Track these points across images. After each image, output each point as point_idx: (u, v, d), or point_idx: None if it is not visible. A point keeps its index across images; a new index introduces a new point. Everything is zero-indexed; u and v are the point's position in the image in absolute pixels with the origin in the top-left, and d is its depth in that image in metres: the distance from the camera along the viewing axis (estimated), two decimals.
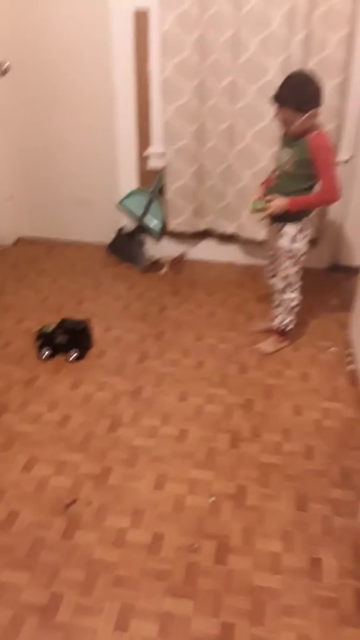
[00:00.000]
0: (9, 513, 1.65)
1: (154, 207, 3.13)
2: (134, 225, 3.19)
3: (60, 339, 2.36)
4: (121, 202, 3.15)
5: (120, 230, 3.22)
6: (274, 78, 2.60)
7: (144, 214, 3.13)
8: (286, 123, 2.06)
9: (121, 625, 1.37)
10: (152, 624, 1.37)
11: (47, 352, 2.35)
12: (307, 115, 2.00)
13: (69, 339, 2.36)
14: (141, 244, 3.18)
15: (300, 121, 2.02)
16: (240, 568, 1.51)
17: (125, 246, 3.22)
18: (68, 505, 1.68)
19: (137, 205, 3.14)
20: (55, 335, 2.36)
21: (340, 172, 2.12)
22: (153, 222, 3.16)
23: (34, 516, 1.64)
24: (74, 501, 1.69)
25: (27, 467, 1.81)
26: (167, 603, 1.42)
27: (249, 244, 3.17)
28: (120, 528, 1.62)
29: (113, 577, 1.48)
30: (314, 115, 2.02)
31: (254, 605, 1.42)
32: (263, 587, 1.47)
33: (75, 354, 2.36)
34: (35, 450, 1.89)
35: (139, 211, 3.14)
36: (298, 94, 2.01)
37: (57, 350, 2.38)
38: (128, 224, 3.22)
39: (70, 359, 2.35)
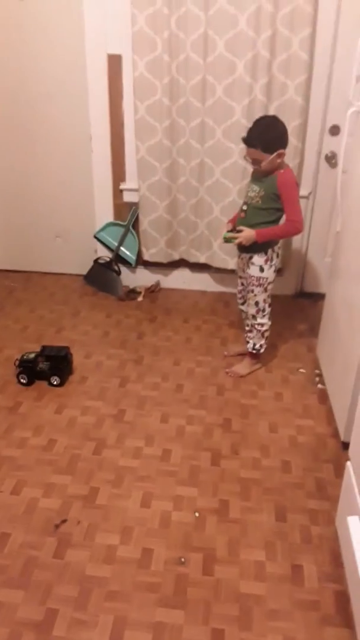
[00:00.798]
0: (0, 534, 1.68)
1: (129, 238, 3.26)
2: (110, 256, 3.31)
3: (42, 365, 2.43)
4: (97, 233, 3.27)
5: (96, 260, 3.33)
6: (239, 119, 2.82)
7: (120, 245, 3.26)
8: (255, 162, 2.24)
9: (116, 637, 1.42)
10: (145, 634, 1.43)
11: (24, 380, 2.42)
12: (274, 154, 2.18)
13: (50, 366, 2.42)
14: (117, 274, 3.29)
15: (268, 160, 2.19)
16: (227, 577, 1.59)
17: (102, 276, 3.32)
18: (58, 525, 1.72)
19: (113, 236, 3.27)
20: (37, 362, 2.42)
21: (302, 206, 2.30)
22: (128, 253, 3.29)
23: (25, 537, 1.68)
24: (63, 521, 1.74)
25: (16, 490, 1.85)
26: (158, 614, 1.48)
27: (220, 273, 3.32)
28: (110, 545, 1.67)
29: (106, 591, 1.53)
30: (281, 155, 2.20)
31: (241, 612, 1.50)
32: (249, 594, 1.55)
33: (56, 381, 2.42)
34: (23, 473, 1.93)
35: (114, 242, 3.26)
36: (265, 135, 2.19)
37: (39, 376, 2.43)
38: (104, 255, 3.34)
39: (54, 383, 2.42)
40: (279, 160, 2.21)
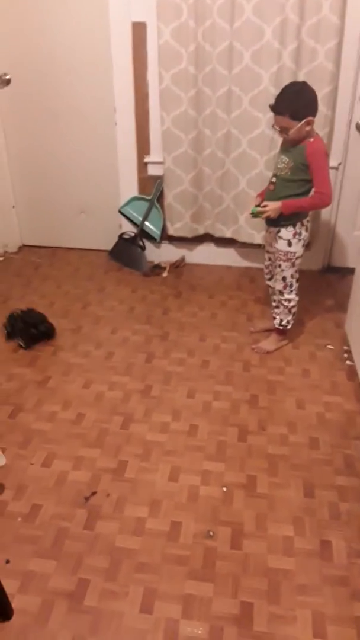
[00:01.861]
0: (32, 506, 1.72)
1: (154, 213, 3.22)
2: (134, 231, 3.28)
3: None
4: (122, 208, 3.24)
5: (121, 236, 3.31)
6: (267, 87, 2.73)
7: (144, 219, 3.22)
8: (283, 131, 2.17)
9: (146, 607, 1.45)
10: (175, 606, 1.45)
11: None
12: (302, 122, 2.11)
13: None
14: (142, 249, 3.27)
15: (296, 128, 2.11)
16: (255, 552, 1.60)
17: (126, 251, 3.30)
18: (88, 498, 1.75)
19: (138, 211, 3.24)
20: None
21: (331, 177, 2.23)
22: (153, 228, 3.25)
23: (56, 508, 1.71)
24: (93, 493, 1.77)
25: (47, 463, 1.89)
26: (188, 586, 1.50)
27: (245, 248, 3.27)
28: (139, 517, 1.69)
29: (135, 563, 1.56)
30: (309, 123, 2.12)
31: (270, 586, 1.51)
32: (278, 568, 1.55)
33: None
34: (53, 446, 1.96)
35: (139, 217, 3.23)
36: (294, 102, 2.11)
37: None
38: (128, 230, 3.31)
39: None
40: (307, 129, 2.13)
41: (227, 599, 1.47)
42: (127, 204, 3.23)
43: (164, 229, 3.25)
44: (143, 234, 3.27)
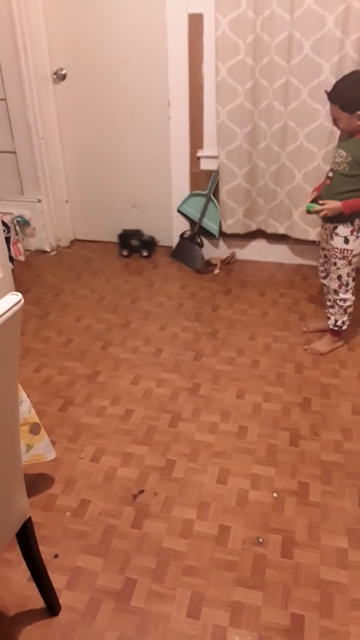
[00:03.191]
0: (80, 501, 1.72)
1: (211, 208, 3.16)
2: (193, 229, 3.23)
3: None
4: (180, 207, 3.21)
5: (182, 235, 3.27)
6: (328, 78, 2.62)
7: (202, 216, 3.18)
8: (335, 121, 2.09)
9: (193, 612, 1.41)
10: (223, 613, 1.41)
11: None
12: (353, 115, 2.01)
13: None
14: (200, 247, 3.22)
15: (346, 120, 2.03)
16: (307, 562, 1.54)
17: (186, 250, 3.25)
18: (136, 496, 1.74)
19: (195, 208, 3.19)
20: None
21: None
22: (211, 224, 3.20)
23: (104, 505, 1.71)
24: (141, 491, 1.75)
25: (95, 458, 1.89)
26: (236, 593, 1.46)
27: (298, 244, 3.18)
28: (187, 519, 1.66)
29: (183, 565, 1.53)
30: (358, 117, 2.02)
31: (322, 598, 1.45)
32: (331, 581, 1.49)
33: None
34: (102, 442, 1.96)
35: (197, 214, 3.19)
36: (347, 93, 2.01)
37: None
38: (188, 228, 3.26)
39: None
40: (359, 123, 2.03)
41: (277, 610, 1.42)
42: (184, 202, 3.19)
43: (221, 225, 3.20)
44: (201, 231, 3.23)
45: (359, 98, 2.01)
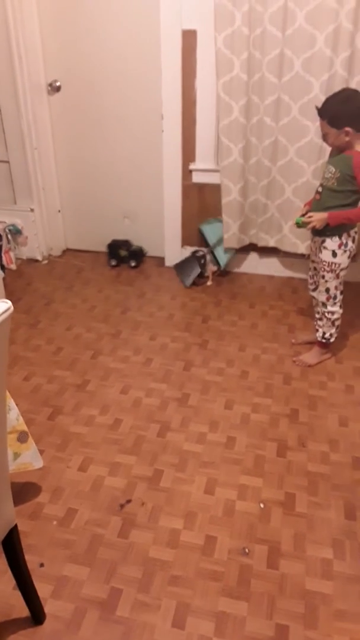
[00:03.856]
0: (67, 510, 1.72)
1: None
2: (205, 251, 3.23)
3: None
4: (202, 226, 3.23)
5: (195, 253, 3.24)
6: (317, 95, 2.68)
7: (217, 245, 3.19)
8: (324, 137, 2.14)
9: (178, 622, 1.41)
10: (208, 623, 1.41)
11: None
12: (341, 131, 2.05)
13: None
14: (200, 268, 3.20)
15: (334, 136, 2.08)
16: (293, 572, 1.54)
17: (187, 267, 3.24)
18: (123, 505, 1.74)
19: (215, 234, 3.19)
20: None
21: None
22: (222, 256, 3.21)
23: (91, 514, 1.71)
24: (128, 501, 1.75)
25: (83, 467, 1.89)
26: (222, 603, 1.46)
27: (289, 257, 3.22)
28: (174, 529, 1.67)
29: (169, 575, 1.53)
30: (347, 134, 2.05)
31: (307, 609, 1.45)
32: (315, 591, 1.49)
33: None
34: (90, 451, 1.96)
35: (214, 240, 3.19)
36: (334, 109, 2.06)
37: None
38: (200, 249, 3.27)
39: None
40: (346, 139, 2.07)
41: (261, 620, 1.43)
42: (209, 223, 3.20)
43: (228, 272, 3.25)
44: (211, 255, 3.24)
45: (347, 115, 2.05)
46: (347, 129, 2.05)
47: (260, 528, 1.68)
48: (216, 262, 3.24)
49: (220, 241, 3.18)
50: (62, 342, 2.63)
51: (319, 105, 2.13)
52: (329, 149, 2.26)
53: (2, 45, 2.96)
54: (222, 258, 3.21)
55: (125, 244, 3.42)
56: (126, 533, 1.65)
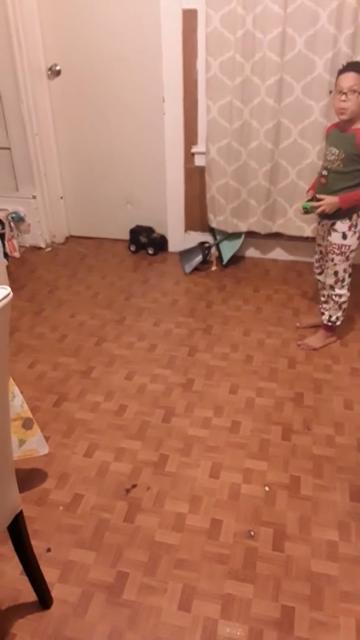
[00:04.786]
0: (73, 495, 1.73)
1: (233, 241, 3.19)
2: (212, 243, 3.23)
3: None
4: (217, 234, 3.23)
5: (202, 243, 3.23)
6: (321, 74, 2.63)
7: (224, 239, 3.19)
8: (341, 105, 2.03)
9: (184, 605, 1.43)
10: (214, 605, 1.43)
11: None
12: None
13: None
14: (203, 258, 3.18)
15: (358, 100, 2.00)
16: (298, 555, 1.55)
17: (192, 255, 3.22)
18: (128, 490, 1.75)
19: (221, 234, 3.20)
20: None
21: None
22: (225, 251, 3.20)
23: (97, 499, 1.72)
24: (134, 486, 1.76)
25: (89, 453, 1.90)
26: (227, 585, 1.47)
27: (293, 241, 3.19)
28: (179, 513, 1.67)
29: (175, 559, 1.54)
30: None
31: (312, 591, 1.46)
32: (321, 573, 1.50)
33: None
34: (95, 437, 1.97)
35: (221, 235, 3.19)
36: None
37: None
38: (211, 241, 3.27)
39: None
40: None
41: (267, 602, 1.43)
42: (228, 238, 3.21)
43: (233, 257, 3.22)
44: (217, 249, 3.23)
45: None
46: None
47: (266, 511, 1.68)
48: (220, 256, 3.22)
49: (228, 237, 3.17)
50: (66, 329, 2.63)
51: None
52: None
53: (1, 30, 2.92)
54: (226, 255, 3.20)
55: (147, 230, 3.39)
56: (132, 517, 1.66)
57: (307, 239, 3.08)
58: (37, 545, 1.52)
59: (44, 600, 1.41)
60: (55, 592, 1.45)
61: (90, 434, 1.98)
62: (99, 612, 1.41)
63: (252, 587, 1.47)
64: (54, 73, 3.14)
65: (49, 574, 1.47)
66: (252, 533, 1.61)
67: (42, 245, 3.47)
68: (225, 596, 1.45)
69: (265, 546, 1.58)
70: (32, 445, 1.66)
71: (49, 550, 1.57)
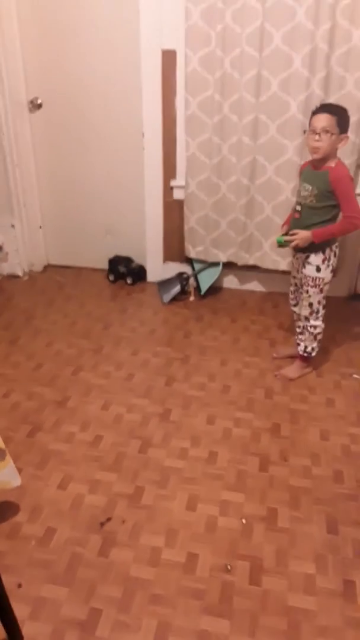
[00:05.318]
0: (46, 529, 1.68)
1: (211, 271, 3.23)
2: (190, 274, 3.27)
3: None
4: (195, 263, 3.28)
5: (181, 274, 3.27)
6: (295, 115, 2.74)
7: (202, 270, 3.23)
8: (317, 144, 2.09)
9: None
10: None
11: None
12: (341, 136, 2.09)
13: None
14: (181, 288, 3.22)
15: (332, 141, 2.07)
16: (275, 589, 1.53)
17: (171, 286, 3.24)
18: (103, 523, 1.71)
19: (200, 265, 3.26)
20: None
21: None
22: (203, 282, 3.24)
23: (71, 533, 1.68)
24: (108, 519, 1.73)
25: (62, 485, 1.85)
26: (204, 622, 1.44)
27: (269, 272, 3.25)
28: (155, 547, 1.64)
29: (150, 594, 1.50)
30: (344, 142, 2.12)
31: (289, 626, 1.44)
32: (298, 607, 1.48)
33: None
34: (70, 468, 1.93)
35: (200, 266, 3.24)
36: (343, 112, 2.10)
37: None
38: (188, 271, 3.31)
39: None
40: (340, 146, 2.12)
41: (244, 638, 1.40)
42: (205, 268, 3.26)
43: (210, 287, 3.26)
44: (195, 280, 3.27)
45: (348, 122, 2.11)
46: (346, 135, 2.10)
47: (243, 544, 1.66)
48: (198, 286, 3.26)
49: (206, 268, 3.22)
50: (42, 358, 2.60)
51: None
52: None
53: None
54: (204, 286, 3.24)
55: (126, 260, 3.42)
56: (106, 552, 1.62)
57: (283, 271, 3.14)
58: (8, 580, 1.46)
59: (14, 637, 1.35)
60: (25, 629, 1.39)
61: (65, 466, 1.95)
62: None
63: (229, 622, 1.44)
64: (35, 106, 3.20)
65: (20, 610, 1.42)
66: (229, 567, 1.59)
67: (20, 273, 3.46)
68: (201, 632, 1.41)
69: (241, 580, 1.55)
70: (4, 477, 1.62)
71: (19, 585, 1.51)
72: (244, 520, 1.74)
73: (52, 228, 3.53)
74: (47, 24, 3.00)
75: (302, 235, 2.21)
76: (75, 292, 3.30)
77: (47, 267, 3.62)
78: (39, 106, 3.20)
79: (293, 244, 2.23)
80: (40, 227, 3.50)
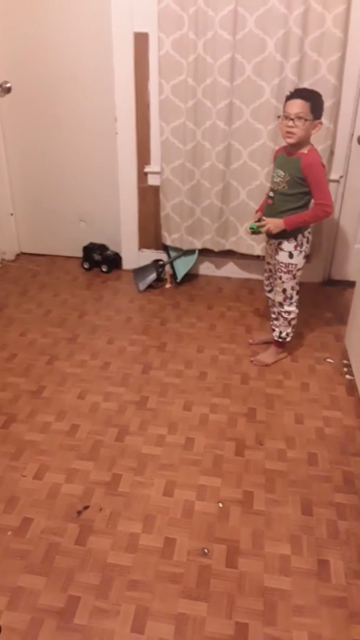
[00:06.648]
0: (22, 519, 1.67)
1: (188, 259, 3.22)
2: (165, 262, 3.25)
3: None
4: (171, 251, 3.26)
5: (156, 261, 3.24)
6: (269, 100, 2.73)
7: (178, 257, 3.22)
8: (291, 129, 2.08)
9: (137, 627, 1.40)
10: (167, 626, 1.40)
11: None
12: (315, 122, 2.09)
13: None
14: (157, 276, 3.20)
15: (306, 127, 2.07)
16: (251, 570, 1.56)
17: (147, 273, 3.22)
18: (80, 512, 1.71)
19: (176, 251, 3.23)
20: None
21: (332, 190, 2.21)
22: (179, 269, 3.23)
23: (47, 522, 1.67)
24: (85, 507, 1.72)
25: (39, 475, 1.84)
26: (181, 605, 1.46)
27: (245, 259, 3.26)
28: (133, 533, 1.65)
29: (127, 580, 1.51)
30: (318, 128, 2.12)
31: (265, 606, 1.46)
32: (274, 588, 1.51)
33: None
34: (46, 458, 1.92)
35: (175, 253, 3.22)
36: (317, 97, 2.10)
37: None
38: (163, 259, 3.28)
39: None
40: (313, 132, 2.12)
41: (221, 619, 1.43)
42: (184, 254, 3.24)
43: (186, 274, 3.25)
44: (171, 267, 3.26)
45: (321, 107, 2.11)
46: (320, 121, 2.09)
47: (219, 527, 1.68)
48: (174, 273, 3.25)
49: (177, 257, 3.21)
50: (15, 349, 2.57)
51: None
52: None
53: None
54: (180, 273, 3.23)
55: (101, 247, 3.38)
56: (84, 540, 1.62)
57: (258, 257, 3.16)
58: None
59: None
60: (3, 620, 1.39)
61: (41, 456, 1.93)
62: (50, 638, 1.37)
63: (206, 605, 1.46)
64: (4, 90, 3.12)
65: None
66: (206, 551, 1.61)
67: None
68: (178, 616, 1.43)
69: (218, 563, 1.57)
70: None
71: None
72: (220, 504, 1.76)
73: (24, 215, 3.46)
74: (16, 6, 2.91)
75: (274, 222, 2.21)
76: (49, 280, 3.26)
77: (20, 256, 3.56)
78: (8, 90, 3.12)
79: (264, 229, 2.23)
80: (12, 214, 3.43)
